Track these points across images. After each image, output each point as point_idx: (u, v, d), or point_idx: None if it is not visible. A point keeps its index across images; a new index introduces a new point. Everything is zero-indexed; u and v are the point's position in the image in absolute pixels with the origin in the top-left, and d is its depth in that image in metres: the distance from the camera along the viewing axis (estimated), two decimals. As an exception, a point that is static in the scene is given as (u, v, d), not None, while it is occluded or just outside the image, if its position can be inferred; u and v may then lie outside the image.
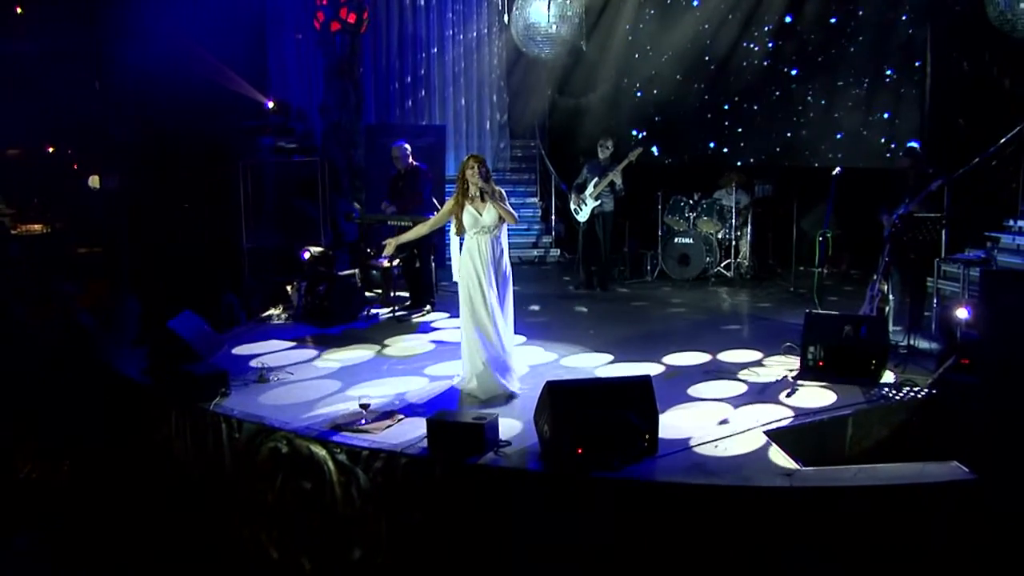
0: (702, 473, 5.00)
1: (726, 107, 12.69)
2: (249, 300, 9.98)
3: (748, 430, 5.68)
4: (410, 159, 9.39)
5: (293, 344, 7.90)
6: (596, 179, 10.34)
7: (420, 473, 5.30)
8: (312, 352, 7.59)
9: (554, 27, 11.21)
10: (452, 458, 5.21)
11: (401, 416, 5.96)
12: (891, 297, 7.84)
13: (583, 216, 10.46)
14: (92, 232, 12.49)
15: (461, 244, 6.50)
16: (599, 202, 10.35)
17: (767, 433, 5.61)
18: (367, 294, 9.88)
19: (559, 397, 5.14)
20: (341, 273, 10.27)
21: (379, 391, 6.45)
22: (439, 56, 13.67)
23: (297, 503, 5.73)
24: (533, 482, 5.05)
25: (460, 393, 6.43)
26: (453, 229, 6.50)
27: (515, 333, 6.77)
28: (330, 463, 5.59)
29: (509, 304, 6.48)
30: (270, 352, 7.54)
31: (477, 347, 6.32)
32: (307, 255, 9.80)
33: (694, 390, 6.51)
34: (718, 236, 11.22)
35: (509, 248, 6.58)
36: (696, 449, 5.36)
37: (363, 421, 5.84)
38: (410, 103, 13.59)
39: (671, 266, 11.18)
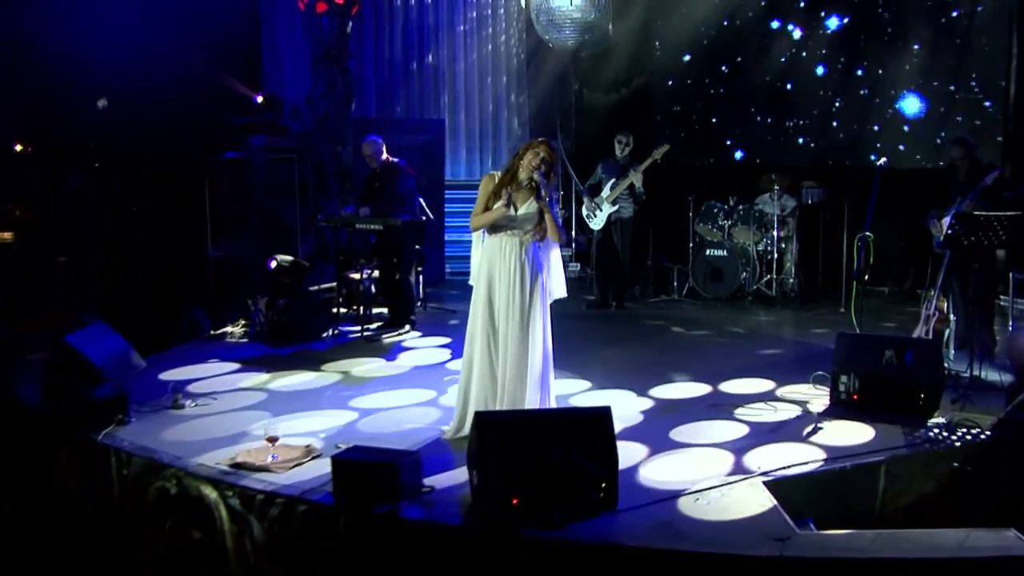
0: (670, 534, 4.16)
1: (770, 101, 11.98)
2: (214, 315, 9.45)
3: (744, 478, 4.80)
4: (384, 155, 8.73)
5: (237, 367, 7.40)
6: (613, 180, 9.61)
7: (322, 523, 4.57)
8: (251, 376, 7.09)
9: (579, 11, 10.57)
10: (357, 506, 4.46)
11: (318, 451, 5.24)
12: (951, 317, 6.94)
13: (597, 223, 9.73)
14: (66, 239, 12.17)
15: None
16: (616, 207, 9.61)
17: (768, 484, 4.72)
18: (344, 310, 9.24)
19: (489, 432, 4.38)
20: (315, 287, 9.73)
21: (309, 424, 5.88)
22: (449, 44, 13.07)
23: (187, 555, 5.03)
24: (452, 539, 4.26)
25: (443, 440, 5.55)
26: (474, 221, 5.38)
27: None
28: (222, 508, 4.91)
29: (534, 344, 5.19)
30: (204, 375, 7.07)
31: (470, 387, 5.42)
32: (274, 265, 9.23)
33: (690, 429, 5.72)
34: (757, 248, 10.36)
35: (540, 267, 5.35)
36: (671, 503, 4.50)
37: (272, 457, 5.14)
38: (416, 97, 12.97)
39: (702, 282, 10.38)
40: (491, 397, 5.32)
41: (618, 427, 4.64)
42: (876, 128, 11.25)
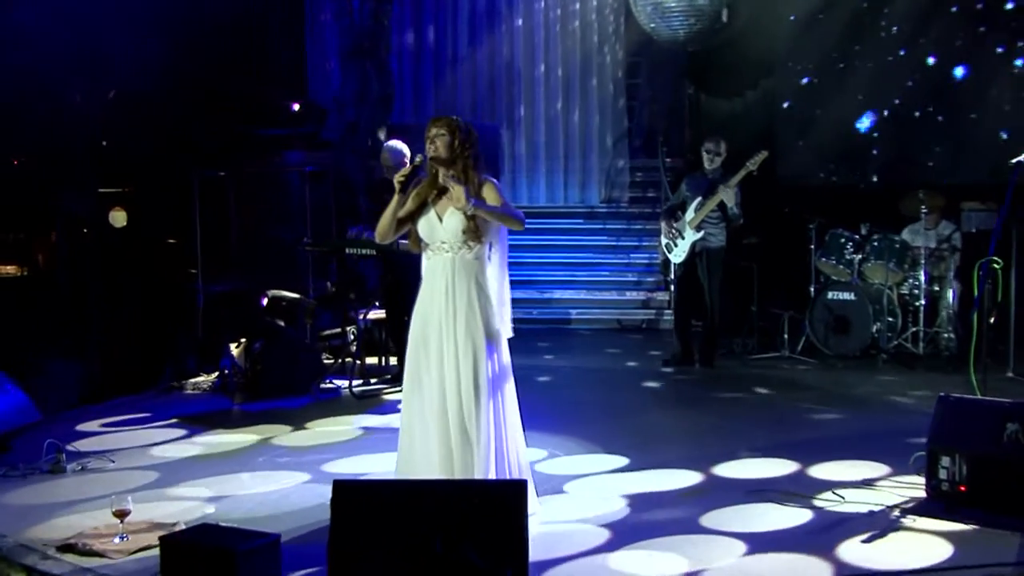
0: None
1: (920, 104, 11.31)
2: (201, 360, 9.24)
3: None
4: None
5: (171, 422, 7.24)
6: (699, 199, 8.85)
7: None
8: (179, 434, 6.93)
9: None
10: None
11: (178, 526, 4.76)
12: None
13: (678, 255, 9.06)
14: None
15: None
16: (701, 234, 8.86)
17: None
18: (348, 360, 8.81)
19: (348, 509, 3.73)
20: (328, 331, 9.36)
21: (207, 494, 5.57)
22: (526, 38, 12.61)
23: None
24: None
25: None
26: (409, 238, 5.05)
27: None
28: (30, 602, 4.41)
29: (479, 392, 4.72)
30: (120, 432, 7.01)
31: (411, 450, 4.91)
32: (266, 301, 8.93)
33: (711, 517, 5.04)
34: (899, 291, 9.36)
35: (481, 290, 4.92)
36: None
37: (120, 538, 4.68)
38: (483, 103, 12.56)
39: (821, 334, 9.50)
40: (433, 463, 4.76)
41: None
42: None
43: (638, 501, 5.29)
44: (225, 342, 8.57)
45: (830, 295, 9.48)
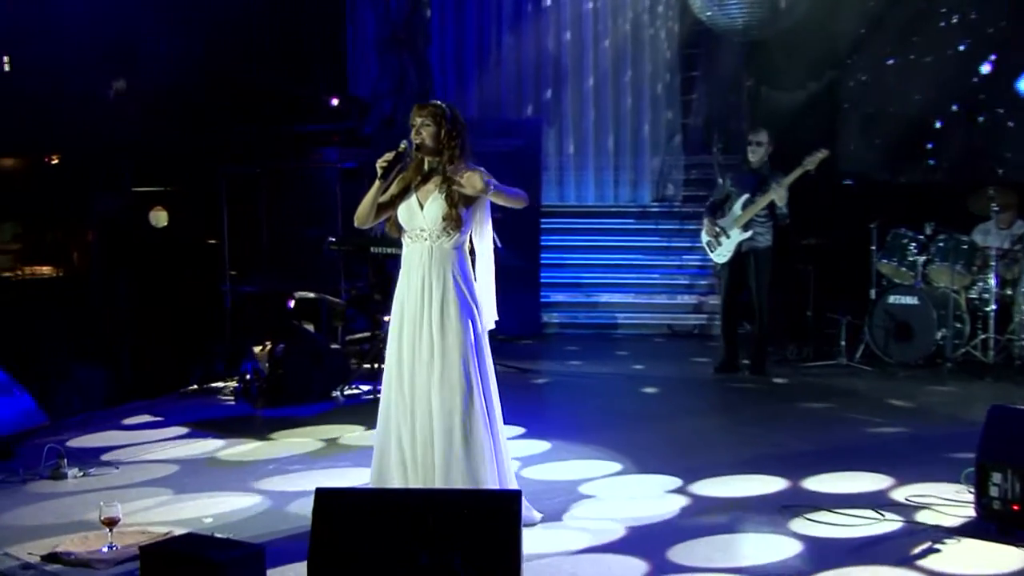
0: None
1: (991, 98, 11.15)
2: (229, 363, 9.31)
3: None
4: None
5: (185, 431, 7.22)
6: (746, 197, 8.72)
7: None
8: (190, 442, 6.94)
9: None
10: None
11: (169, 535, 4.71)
12: None
13: (722, 255, 8.89)
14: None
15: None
16: (749, 233, 8.68)
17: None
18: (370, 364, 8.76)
19: (329, 518, 3.69)
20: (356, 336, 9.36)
21: (209, 506, 5.53)
22: (574, 29, 12.47)
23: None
24: None
25: None
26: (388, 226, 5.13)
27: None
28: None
29: (451, 388, 4.71)
30: (130, 439, 6.99)
31: (380, 441, 4.94)
32: (293, 304, 8.94)
33: (732, 534, 4.92)
34: (967, 295, 9.18)
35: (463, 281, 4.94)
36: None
37: (107, 548, 4.66)
38: (528, 96, 12.46)
39: (882, 341, 9.31)
40: (408, 465, 4.76)
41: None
42: None
43: (653, 517, 5.22)
44: (249, 345, 8.59)
45: (891, 299, 9.27)
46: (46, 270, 12.64)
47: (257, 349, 8.50)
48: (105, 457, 6.39)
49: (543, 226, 11.46)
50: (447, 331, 4.71)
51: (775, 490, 5.60)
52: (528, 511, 4.83)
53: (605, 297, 11.82)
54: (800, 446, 6.58)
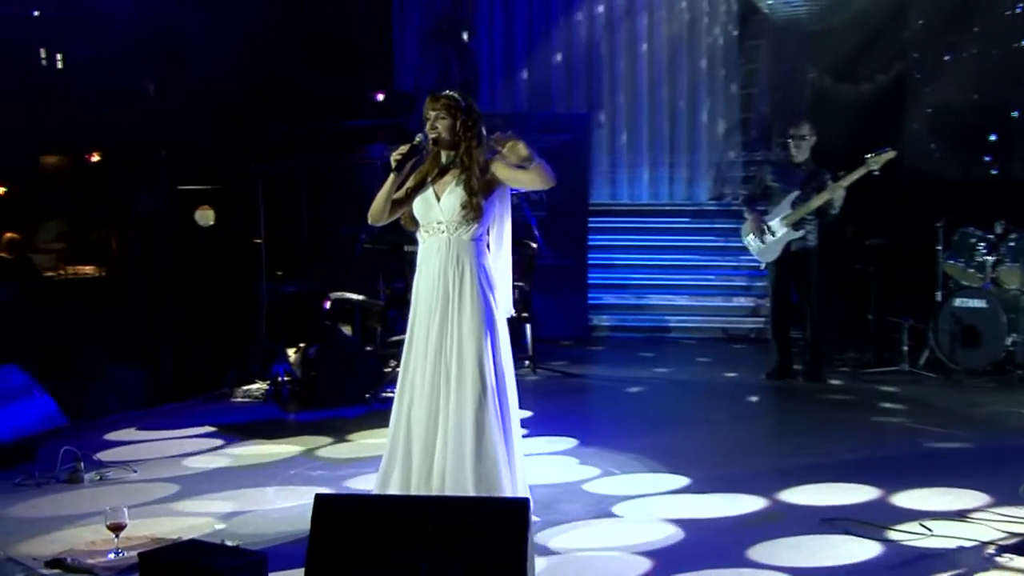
0: None
1: None
2: (264, 365, 9.35)
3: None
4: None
5: (209, 431, 7.33)
6: (797, 194, 8.64)
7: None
8: (212, 444, 7.00)
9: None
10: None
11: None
12: None
13: (768, 255, 8.82)
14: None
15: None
16: (801, 232, 8.59)
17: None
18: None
19: (327, 525, 3.67)
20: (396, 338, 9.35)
21: (222, 508, 5.57)
22: (628, 18, 12.41)
23: None
24: None
25: None
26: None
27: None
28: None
29: (476, 377, 4.66)
30: (150, 441, 7.11)
31: (393, 440, 4.93)
32: (329, 305, 8.99)
33: (770, 547, 4.81)
34: None
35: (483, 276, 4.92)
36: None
37: (114, 553, 4.70)
38: (579, 89, 12.40)
39: (947, 346, 9.09)
40: (415, 466, 4.76)
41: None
42: None
43: (693, 527, 5.11)
44: (282, 347, 8.63)
45: (958, 302, 9.05)
46: (88, 270, 12.86)
47: (291, 351, 8.57)
48: (125, 460, 6.42)
49: (591, 225, 11.40)
50: (463, 327, 4.67)
51: (817, 502, 5.48)
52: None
53: (657, 299, 11.73)
54: (850, 456, 6.45)
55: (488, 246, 4.86)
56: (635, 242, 11.95)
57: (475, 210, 4.68)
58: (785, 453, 6.59)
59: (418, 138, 4.72)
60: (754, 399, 8.49)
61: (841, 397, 8.36)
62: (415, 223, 4.86)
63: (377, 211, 4.83)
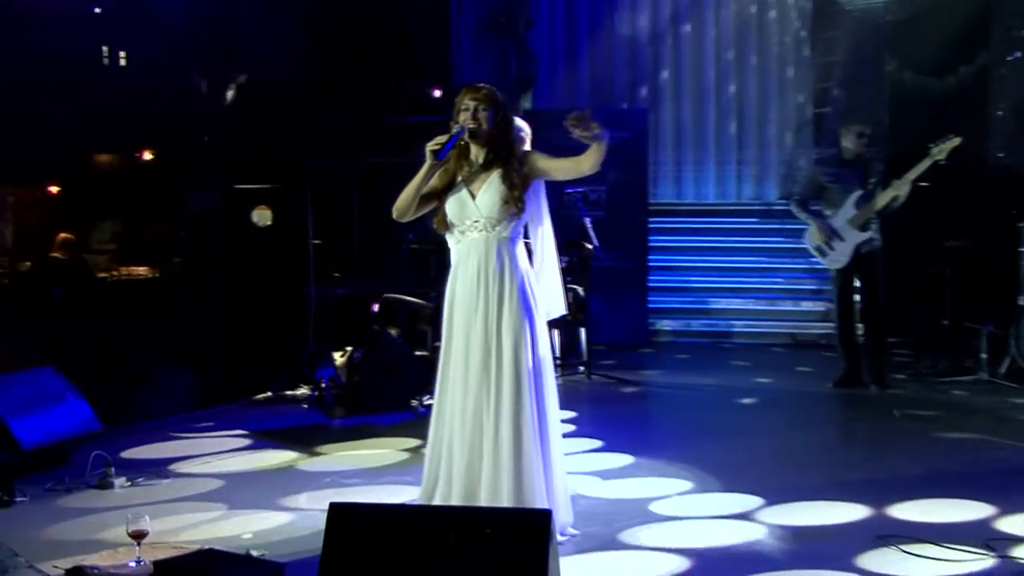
0: None
1: None
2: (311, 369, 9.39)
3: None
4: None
5: (248, 441, 7.33)
6: (859, 193, 8.46)
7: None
8: (250, 452, 7.04)
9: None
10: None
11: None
12: None
13: (838, 260, 8.65)
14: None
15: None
16: (868, 234, 8.48)
17: None
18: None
19: (341, 534, 3.71)
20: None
21: (250, 522, 5.51)
22: (694, 10, 12.40)
23: None
24: None
25: None
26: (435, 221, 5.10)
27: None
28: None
29: (515, 381, 4.68)
30: (189, 449, 7.08)
31: (435, 450, 4.94)
32: (378, 308, 9.03)
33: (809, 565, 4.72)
34: None
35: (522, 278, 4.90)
36: None
37: (135, 563, 4.68)
38: (642, 84, 12.33)
39: None
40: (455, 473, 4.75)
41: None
42: None
43: (728, 541, 5.07)
44: (328, 351, 8.64)
45: (1041, 307, 8.81)
46: (142, 270, 13.02)
47: (337, 355, 8.57)
48: (159, 467, 6.47)
49: (652, 225, 11.29)
50: (504, 332, 4.66)
51: (872, 517, 5.36)
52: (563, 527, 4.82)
53: (721, 303, 11.58)
54: (913, 470, 6.30)
55: (527, 248, 4.86)
56: (696, 243, 11.93)
57: (517, 203, 4.67)
58: (845, 465, 6.47)
59: (455, 127, 4.68)
60: (817, 408, 8.39)
61: (911, 408, 8.13)
62: (447, 225, 4.82)
63: (404, 205, 4.77)
